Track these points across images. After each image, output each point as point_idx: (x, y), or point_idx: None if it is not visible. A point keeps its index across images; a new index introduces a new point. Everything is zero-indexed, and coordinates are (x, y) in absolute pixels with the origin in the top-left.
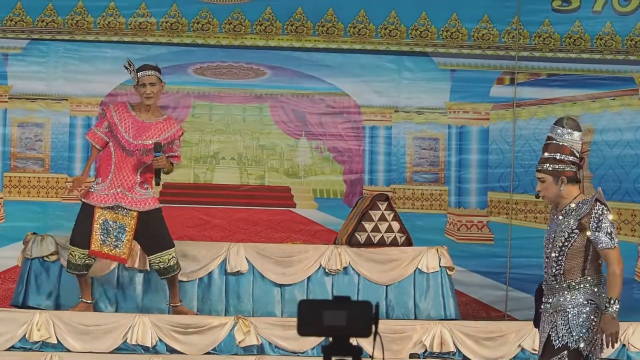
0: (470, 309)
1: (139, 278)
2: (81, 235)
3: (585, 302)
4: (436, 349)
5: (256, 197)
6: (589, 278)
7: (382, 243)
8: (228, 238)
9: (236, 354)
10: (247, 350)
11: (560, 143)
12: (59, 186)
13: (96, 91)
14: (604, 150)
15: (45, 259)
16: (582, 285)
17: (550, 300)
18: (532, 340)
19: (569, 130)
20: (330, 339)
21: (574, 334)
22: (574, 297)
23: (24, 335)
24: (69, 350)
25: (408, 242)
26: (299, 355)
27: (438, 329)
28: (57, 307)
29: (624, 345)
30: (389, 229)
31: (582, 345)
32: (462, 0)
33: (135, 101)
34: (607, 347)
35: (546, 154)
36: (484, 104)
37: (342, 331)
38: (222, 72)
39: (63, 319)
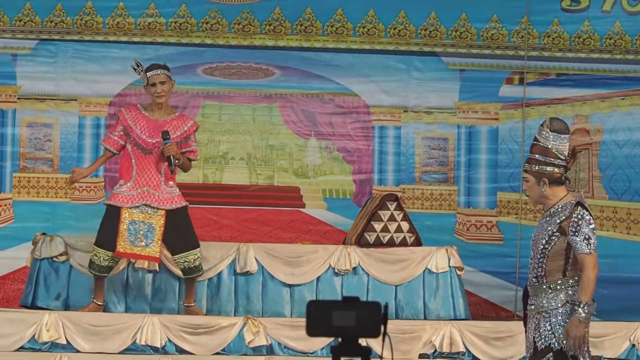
0: (480, 309)
1: (149, 278)
2: (107, 236)
3: (567, 302)
4: (446, 349)
5: (265, 198)
6: (570, 279)
7: (391, 243)
8: (237, 238)
9: (245, 355)
10: (257, 350)
11: (544, 145)
12: (68, 186)
13: (105, 91)
14: (613, 150)
15: (55, 259)
16: (563, 287)
17: (534, 302)
18: None
19: (554, 132)
20: (339, 340)
21: (557, 335)
22: (555, 298)
23: (33, 336)
24: (78, 351)
25: (417, 242)
26: (308, 356)
27: (447, 329)
28: (66, 307)
29: (633, 345)
30: (399, 229)
31: (565, 344)
32: (471, 0)
33: (145, 101)
34: (571, 351)
35: (531, 155)
36: (493, 104)
37: (351, 332)
38: (231, 72)
39: (72, 319)
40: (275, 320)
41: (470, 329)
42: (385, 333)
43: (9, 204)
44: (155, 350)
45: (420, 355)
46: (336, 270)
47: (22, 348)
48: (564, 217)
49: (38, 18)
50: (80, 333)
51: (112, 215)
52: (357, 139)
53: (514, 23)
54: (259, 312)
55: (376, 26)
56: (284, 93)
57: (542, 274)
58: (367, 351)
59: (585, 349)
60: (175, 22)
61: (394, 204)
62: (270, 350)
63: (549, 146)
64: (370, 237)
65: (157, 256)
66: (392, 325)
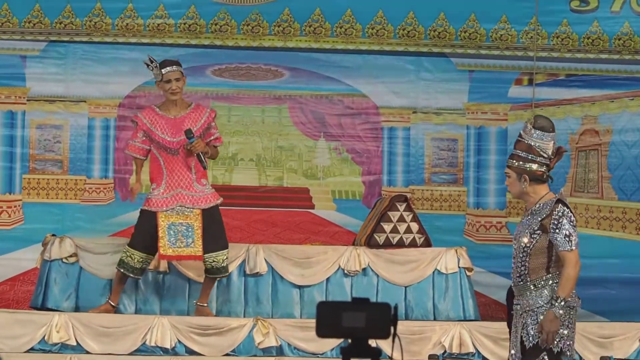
0: (490, 309)
1: (159, 280)
2: (143, 239)
3: (552, 299)
4: (455, 350)
5: (275, 199)
6: (553, 276)
7: (401, 244)
8: (247, 239)
9: (255, 356)
10: (266, 351)
11: (528, 141)
12: (78, 188)
13: (114, 93)
14: (622, 151)
15: (64, 260)
16: (548, 284)
17: (520, 301)
18: None
19: (537, 129)
20: (349, 341)
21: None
22: (540, 295)
23: (43, 337)
24: (88, 352)
25: (427, 243)
26: (318, 357)
27: (457, 330)
28: (76, 308)
29: None
30: (408, 230)
31: (555, 341)
32: (480, 0)
33: (155, 101)
34: (543, 346)
35: (514, 151)
36: (503, 105)
37: (361, 333)
38: (240, 73)
39: (82, 320)
40: (285, 321)
41: (480, 330)
42: (395, 334)
43: (19, 206)
44: (165, 351)
45: (430, 356)
46: (346, 272)
47: (32, 349)
48: (545, 215)
49: (47, 19)
50: (90, 334)
51: (148, 219)
52: (366, 140)
53: (523, 24)
54: (269, 313)
55: (385, 27)
56: (293, 94)
57: (526, 272)
58: (377, 352)
59: (569, 343)
60: (185, 24)
61: (404, 205)
62: (280, 351)
63: (532, 143)
64: (380, 238)
65: (200, 254)
66: (401, 326)
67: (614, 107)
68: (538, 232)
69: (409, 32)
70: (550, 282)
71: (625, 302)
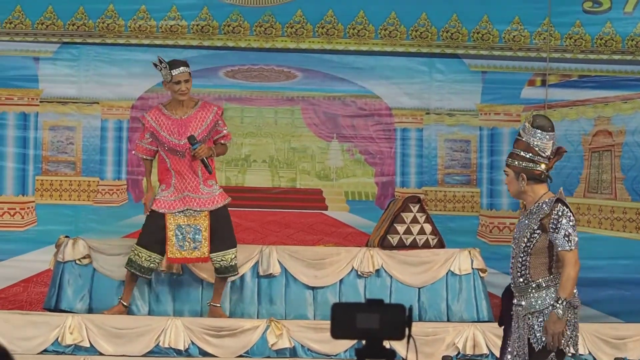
0: None
1: (172, 281)
2: (150, 238)
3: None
4: (469, 352)
5: (288, 200)
6: (556, 276)
7: (414, 245)
8: (260, 241)
9: (269, 357)
10: (280, 353)
11: (526, 140)
12: (91, 189)
13: (127, 94)
14: (635, 152)
15: (78, 262)
16: (551, 284)
17: (523, 302)
18: None
19: (536, 128)
20: (364, 342)
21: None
22: (545, 296)
23: (57, 339)
24: (101, 354)
25: (440, 244)
26: (331, 358)
27: (471, 331)
28: (90, 310)
29: None
30: (421, 231)
31: (562, 342)
32: (493, 2)
33: (163, 99)
34: (549, 348)
35: (512, 149)
36: (515, 106)
37: (376, 334)
38: (253, 74)
39: (96, 322)
40: (299, 322)
41: (494, 331)
42: (410, 335)
43: (32, 207)
44: (178, 353)
45: (444, 357)
46: (359, 273)
47: (45, 351)
48: (544, 214)
49: (60, 21)
50: (104, 336)
51: (155, 219)
52: (379, 141)
53: (535, 25)
54: (282, 314)
55: (398, 28)
56: (306, 95)
57: (527, 272)
58: (392, 354)
59: (574, 342)
60: (197, 25)
61: (417, 206)
62: (293, 352)
63: (531, 142)
64: (393, 239)
65: (207, 256)
66: (415, 327)
67: (627, 108)
68: (538, 231)
69: (421, 33)
70: (554, 282)
71: (639, 303)
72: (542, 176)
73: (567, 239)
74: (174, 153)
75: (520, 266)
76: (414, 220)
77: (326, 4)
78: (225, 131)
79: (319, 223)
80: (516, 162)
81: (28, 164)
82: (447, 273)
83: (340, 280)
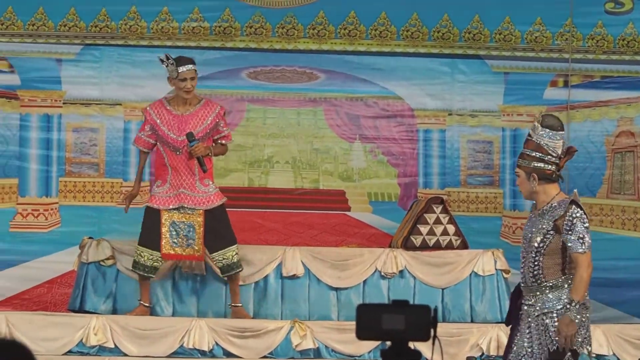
0: None
1: (196, 282)
2: (149, 237)
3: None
4: (493, 352)
5: (311, 201)
6: (570, 277)
7: (437, 246)
8: (283, 242)
9: (293, 358)
10: (304, 354)
11: (536, 140)
12: (114, 191)
13: (150, 96)
14: None
15: (102, 263)
16: (565, 285)
17: (533, 302)
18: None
19: (545, 127)
20: (388, 343)
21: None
22: (559, 297)
23: (81, 340)
24: (125, 355)
25: (464, 245)
26: (355, 359)
27: (495, 332)
28: (114, 311)
29: None
30: (445, 232)
31: (575, 343)
32: (515, 2)
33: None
34: (562, 349)
35: (523, 150)
36: (538, 107)
37: (401, 335)
38: (275, 76)
39: (120, 323)
40: (322, 323)
41: None
42: (435, 336)
43: (56, 209)
44: (202, 353)
45: (468, 358)
46: (382, 274)
47: (70, 352)
48: (558, 216)
49: (82, 23)
50: (128, 337)
51: (152, 216)
52: (401, 142)
53: (557, 26)
54: (306, 315)
55: (420, 29)
56: (329, 97)
57: (540, 272)
58: (417, 355)
59: (587, 343)
60: (220, 27)
61: (440, 207)
62: (317, 353)
63: (541, 142)
64: (417, 240)
65: (200, 255)
66: (439, 328)
67: None
68: (551, 232)
69: (443, 34)
70: (568, 284)
71: None
72: (554, 175)
73: (580, 241)
74: (171, 149)
75: (532, 266)
76: (437, 221)
77: (348, 5)
78: (226, 131)
79: (342, 224)
80: (527, 163)
81: (51, 165)
82: (470, 274)
83: (364, 281)
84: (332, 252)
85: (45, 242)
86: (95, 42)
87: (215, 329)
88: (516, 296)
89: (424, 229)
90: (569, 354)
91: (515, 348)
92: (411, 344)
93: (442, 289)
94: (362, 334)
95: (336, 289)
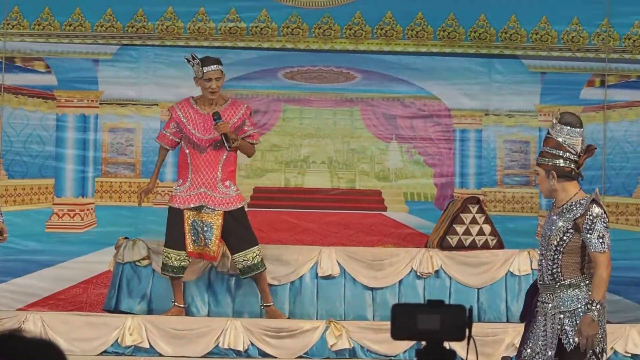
0: None
1: (231, 282)
2: (174, 237)
3: (587, 303)
4: None
5: (347, 201)
6: (588, 277)
7: (473, 246)
8: (319, 242)
9: (328, 358)
10: (339, 354)
11: (555, 138)
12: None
13: (186, 96)
14: None
15: (137, 263)
16: (582, 284)
17: (550, 300)
18: (624, 342)
19: (564, 125)
20: (423, 343)
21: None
22: (576, 296)
23: (117, 340)
24: (161, 355)
25: (499, 245)
26: (391, 359)
27: None
28: (149, 311)
29: None
30: (481, 232)
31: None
32: (551, 2)
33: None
34: (583, 350)
35: (542, 148)
36: (575, 107)
37: (436, 335)
38: (312, 76)
39: (155, 323)
40: (358, 323)
41: None
42: (470, 336)
43: (92, 209)
44: (238, 354)
45: (503, 358)
46: (418, 274)
47: (105, 352)
48: (578, 215)
49: (119, 24)
50: (163, 337)
51: (175, 216)
52: (438, 142)
53: (594, 25)
54: (341, 315)
55: (456, 29)
56: (365, 97)
57: (559, 270)
58: (452, 355)
59: (604, 341)
60: (256, 27)
61: (476, 207)
62: (353, 353)
63: (560, 140)
64: (453, 240)
65: (215, 255)
66: (475, 328)
67: None
68: (571, 230)
69: (480, 34)
70: (586, 283)
71: None
72: (573, 173)
73: (600, 240)
74: (195, 147)
75: (551, 264)
76: (473, 221)
77: (385, 6)
78: (251, 131)
79: (378, 224)
80: (546, 160)
81: (88, 165)
82: (506, 274)
83: (400, 281)
84: (367, 252)
85: (81, 243)
86: (132, 42)
87: (250, 329)
88: (532, 292)
89: (460, 229)
90: (592, 353)
91: (530, 344)
92: (446, 344)
93: (478, 289)
94: (397, 333)
95: (372, 289)
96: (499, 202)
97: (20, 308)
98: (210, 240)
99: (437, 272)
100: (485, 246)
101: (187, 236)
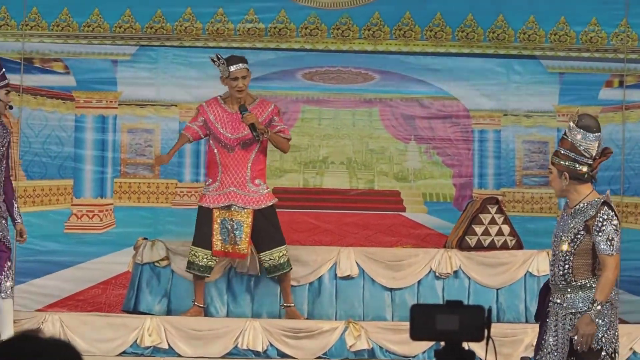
0: None
1: (250, 282)
2: (202, 236)
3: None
4: None
5: (366, 202)
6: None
7: (492, 246)
8: (338, 242)
9: (347, 358)
10: (358, 354)
11: (571, 140)
12: (169, 192)
13: (205, 97)
14: None
15: (156, 264)
16: (594, 285)
17: (561, 301)
18: None
19: (580, 128)
20: (442, 344)
21: (599, 335)
22: (587, 298)
23: (136, 341)
24: (180, 356)
25: (518, 246)
26: (409, 359)
27: None
28: (168, 312)
29: None
30: (499, 233)
31: (605, 343)
32: (570, 3)
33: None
34: (578, 348)
35: (557, 148)
36: (593, 107)
37: (455, 335)
38: (330, 76)
39: (174, 324)
40: (377, 324)
41: None
42: (489, 337)
43: (110, 210)
44: (257, 354)
45: (522, 359)
46: (437, 274)
47: (124, 353)
48: (589, 216)
49: (138, 24)
50: (182, 338)
51: (204, 215)
52: (456, 142)
53: (612, 26)
54: (360, 316)
55: (475, 30)
56: (384, 97)
57: (570, 271)
58: (471, 355)
59: (617, 342)
60: (275, 28)
61: (495, 207)
62: (371, 354)
63: (575, 142)
64: (472, 241)
65: (245, 253)
66: (493, 328)
67: None
68: (582, 232)
69: (498, 35)
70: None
71: None
72: (586, 176)
73: (609, 243)
74: (224, 146)
75: (562, 266)
76: (492, 222)
77: (403, 6)
78: (280, 126)
79: (397, 224)
80: (560, 161)
81: (107, 166)
82: (525, 274)
83: (419, 282)
84: (386, 253)
85: (100, 243)
86: (150, 43)
87: (269, 330)
88: (545, 292)
89: (478, 229)
90: (605, 354)
91: (544, 344)
92: (465, 345)
93: (497, 289)
94: (416, 334)
95: (391, 290)
96: (518, 202)
97: (40, 309)
98: (240, 238)
99: (455, 272)
100: (504, 246)
101: (214, 235)
